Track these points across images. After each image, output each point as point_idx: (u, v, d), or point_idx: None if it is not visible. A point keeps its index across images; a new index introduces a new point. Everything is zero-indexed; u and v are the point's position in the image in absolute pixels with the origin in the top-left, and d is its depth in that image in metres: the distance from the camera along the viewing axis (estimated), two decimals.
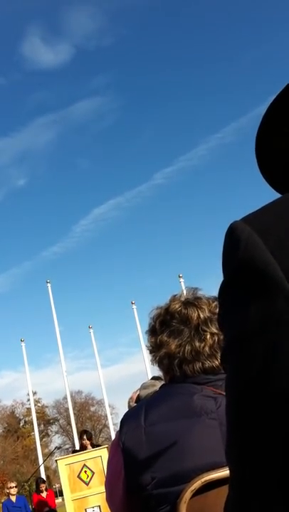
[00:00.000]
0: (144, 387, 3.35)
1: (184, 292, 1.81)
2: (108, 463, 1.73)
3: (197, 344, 1.63)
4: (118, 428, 1.66)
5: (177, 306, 1.71)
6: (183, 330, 1.67)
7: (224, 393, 0.75)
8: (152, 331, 1.74)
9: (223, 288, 0.74)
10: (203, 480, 1.43)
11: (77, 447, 14.42)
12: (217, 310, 1.64)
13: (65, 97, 74.14)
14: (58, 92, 71.98)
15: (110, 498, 1.69)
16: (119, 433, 1.61)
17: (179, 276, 20.66)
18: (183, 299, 1.75)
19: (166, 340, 1.67)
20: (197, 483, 1.43)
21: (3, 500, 12.77)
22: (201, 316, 1.67)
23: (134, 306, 23.12)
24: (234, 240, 0.71)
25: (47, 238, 76.86)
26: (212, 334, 1.64)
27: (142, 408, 1.62)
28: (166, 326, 1.70)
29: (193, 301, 1.72)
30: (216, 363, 1.62)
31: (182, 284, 19.63)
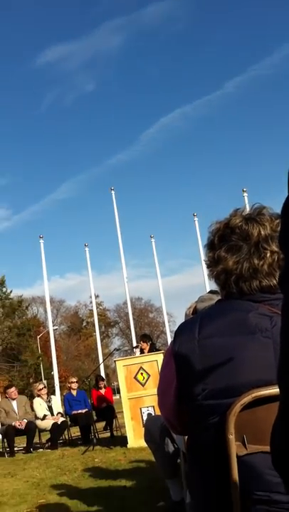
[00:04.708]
0: (201, 300, 3.35)
1: (247, 207, 1.74)
2: (161, 370, 1.77)
3: (256, 262, 1.59)
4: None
5: (238, 221, 1.66)
6: (242, 246, 1.62)
7: (280, 312, 0.73)
8: (211, 246, 1.70)
9: (287, 206, 0.70)
10: (253, 395, 1.45)
11: (135, 349, 14.98)
12: (279, 228, 1.57)
13: (136, 0, 70.72)
14: None
15: (162, 404, 1.74)
16: (173, 343, 1.63)
17: (243, 191, 20.14)
18: (245, 214, 1.69)
19: (224, 255, 1.63)
20: (247, 398, 1.45)
21: (64, 394, 13.61)
22: (262, 232, 1.62)
23: (195, 219, 22.92)
24: None
25: (113, 145, 76.48)
26: (272, 252, 1.59)
27: (196, 321, 1.62)
28: (225, 242, 1.65)
29: (255, 217, 1.66)
30: (274, 282, 1.58)
31: (246, 198, 19.18)
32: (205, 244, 1.74)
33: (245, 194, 19.72)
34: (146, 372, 8.91)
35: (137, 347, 10.91)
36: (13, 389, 11.67)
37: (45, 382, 21.33)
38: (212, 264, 1.68)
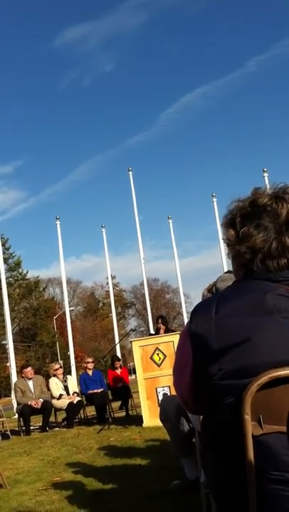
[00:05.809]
0: (222, 279, 3.30)
1: (268, 186, 1.72)
2: (177, 350, 1.75)
3: (286, 240, 1.58)
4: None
5: (266, 199, 1.64)
6: (270, 225, 1.60)
7: None
8: (232, 224, 1.67)
9: None
10: (270, 375, 1.43)
11: (152, 331, 15.06)
12: None
13: None
14: None
15: (177, 384, 1.73)
16: (189, 323, 1.61)
17: (264, 171, 19.87)
18: (269, 192, 1.66)
19: (250, 233, 1.61)
20: (264, 378, 1.43)
21: (80, 374, 13.73)
22: None
23: (214, 199, 22.78)
24: None
25: (132, 125, 76.05)
26: None
27: (213, 301, 1.60)
28: (251, 220, 1.63)
29: (282, 196, 1.64)
30: None
31: (266, 178, 18.96)
32: (223, 222, 1.71)
33: (266, 174, 19.49)
34: (162, 353, 8.95)
35: (157, 331, 10.93)
36: (29, 368, 11.80)
37: (61, 362, 21.55)
38: (235, 242, 1.65)
